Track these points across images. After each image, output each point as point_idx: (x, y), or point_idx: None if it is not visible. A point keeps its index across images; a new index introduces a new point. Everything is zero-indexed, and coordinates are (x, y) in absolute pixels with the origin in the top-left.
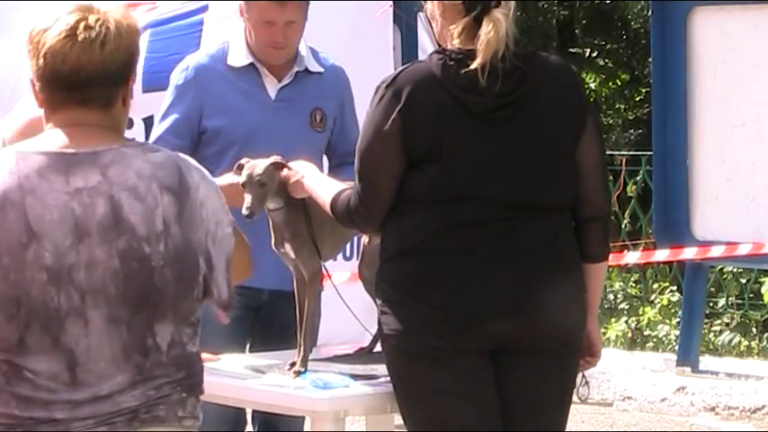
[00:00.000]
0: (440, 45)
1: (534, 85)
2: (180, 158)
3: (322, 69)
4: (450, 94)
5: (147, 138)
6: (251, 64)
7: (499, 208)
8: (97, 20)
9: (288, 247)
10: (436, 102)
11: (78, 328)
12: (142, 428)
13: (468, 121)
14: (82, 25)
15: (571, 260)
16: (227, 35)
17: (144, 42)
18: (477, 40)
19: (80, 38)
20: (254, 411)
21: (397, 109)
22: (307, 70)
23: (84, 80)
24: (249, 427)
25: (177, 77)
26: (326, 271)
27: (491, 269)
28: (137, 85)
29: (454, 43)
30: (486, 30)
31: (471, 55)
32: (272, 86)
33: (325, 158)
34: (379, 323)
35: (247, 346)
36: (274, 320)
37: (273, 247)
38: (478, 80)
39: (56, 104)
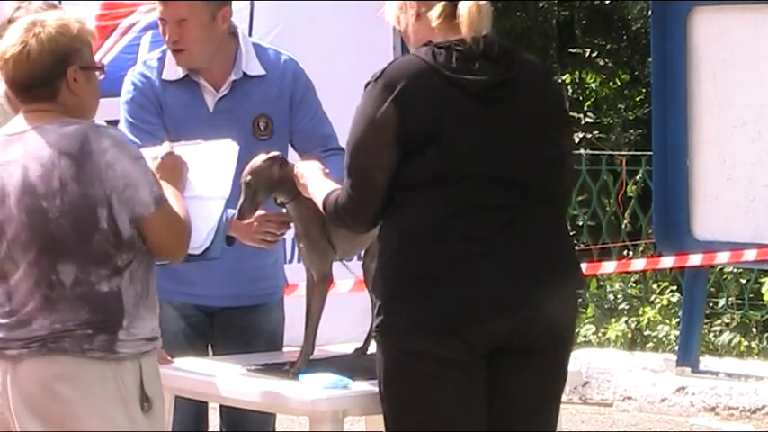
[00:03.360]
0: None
1: (521, 71)
2: (93, 129)
3: (263, 72)
4: (444, 77)
5: None
6: (188, 76)
7: (501, 190)
8: (19, 37)
9: (302, 244)
10: (431, 85)
11: (11, 268)
12: (50, 355)
13: (465, 100)
14: (9, 45)
15: (570, 255)
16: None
17: (145, 43)
18: (457, 13)
19: (9, 55)
20: (221, 411)
21: (391, 98)
22: (246, 76)
23: (26, 85)
24: (212, 426)
25: (124, 96)
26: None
27: (492, 264)
28: None
29: (433, 26)
30: (464, 4)
31: (457, 44)
32: (210, 98)
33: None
34: (375, 321)
35: (209, 348)
36: (231, 324)
37: (295, 240)
38: (469, 63)
39: (20, 103)
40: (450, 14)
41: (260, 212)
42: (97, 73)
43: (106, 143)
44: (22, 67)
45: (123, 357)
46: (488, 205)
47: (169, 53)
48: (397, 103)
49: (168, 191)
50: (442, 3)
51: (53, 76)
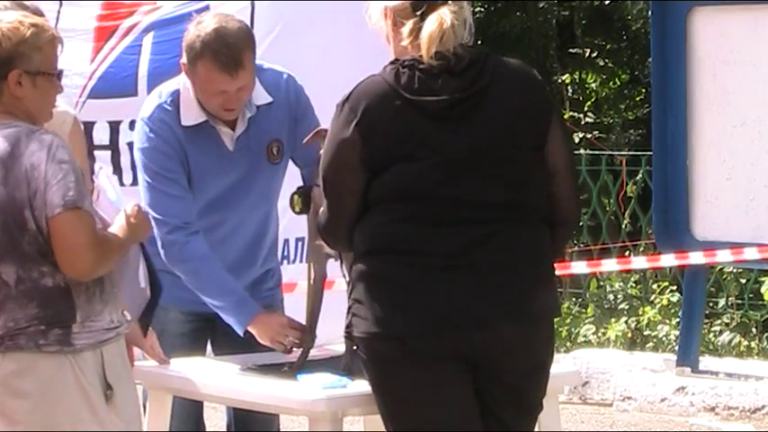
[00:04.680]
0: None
1: (490, 82)
2: (28, 133)
3: (270, 99)
4: (404, 99)
5: None
6: (207, 121)
7: (467, 208)
8: None
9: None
10: (391, 109)
11: None
12: (7, 353)
13: (424, 121)
14: None
15: (547, 272)
16: (177, 83)
17: (147, 44)
18: (420, 34)
19: None
20: (229, 410)
21: (354, 122)
22: (256, 108)
23: None
24: (210, 426)
25: (142, 143)
26: (345, 277)
27: (450, 282)
28: (142, 87)
29: (403, 44)
30: (428, 23)
31: (421, 61)
32: (228, 138)
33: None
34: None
35: (209, 349)
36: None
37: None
38: (431, 82)
39: None
40: (420, 29)
41: (285, 318)
42: (55, 79)
43: (34, 146)
44: None
45: (81, 348)
46: (453, 221)
47: (184, 98)
48: (360, 127)
49: (119, 223)
50: (412, 20)
51: None
